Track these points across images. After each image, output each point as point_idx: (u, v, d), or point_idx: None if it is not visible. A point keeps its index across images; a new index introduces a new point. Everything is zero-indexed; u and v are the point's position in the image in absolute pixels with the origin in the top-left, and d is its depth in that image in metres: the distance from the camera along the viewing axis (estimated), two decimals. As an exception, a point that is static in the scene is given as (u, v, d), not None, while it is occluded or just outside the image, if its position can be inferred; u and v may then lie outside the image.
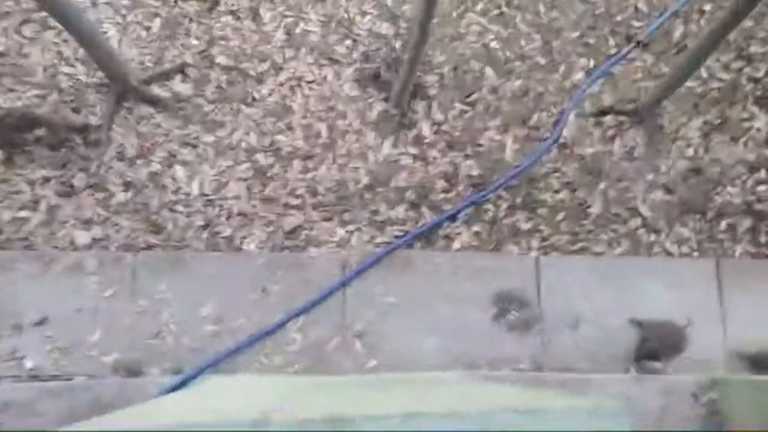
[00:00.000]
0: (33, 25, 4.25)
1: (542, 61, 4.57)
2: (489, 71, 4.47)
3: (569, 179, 4.24)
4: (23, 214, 3.79)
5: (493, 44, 4.58)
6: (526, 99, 4.44)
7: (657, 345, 3.73)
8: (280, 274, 3.75)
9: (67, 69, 4.16)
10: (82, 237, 3.75)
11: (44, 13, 4.11)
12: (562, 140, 4.32)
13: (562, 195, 4.19)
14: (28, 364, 3.41)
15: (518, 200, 4.13)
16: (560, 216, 4.13)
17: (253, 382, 3.34)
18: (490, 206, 4.09)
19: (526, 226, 4.07)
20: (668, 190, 4.31)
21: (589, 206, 4.18)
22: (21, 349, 3.44)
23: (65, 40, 4.18)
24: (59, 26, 4.01)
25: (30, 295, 3.54)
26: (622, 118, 4.47)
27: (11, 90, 4.08)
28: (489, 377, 3.55)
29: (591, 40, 4.70)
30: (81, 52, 4.08)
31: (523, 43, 4.61)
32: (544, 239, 4.05)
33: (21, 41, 4.20)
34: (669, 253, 4.13)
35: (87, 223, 3.80)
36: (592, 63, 4.62)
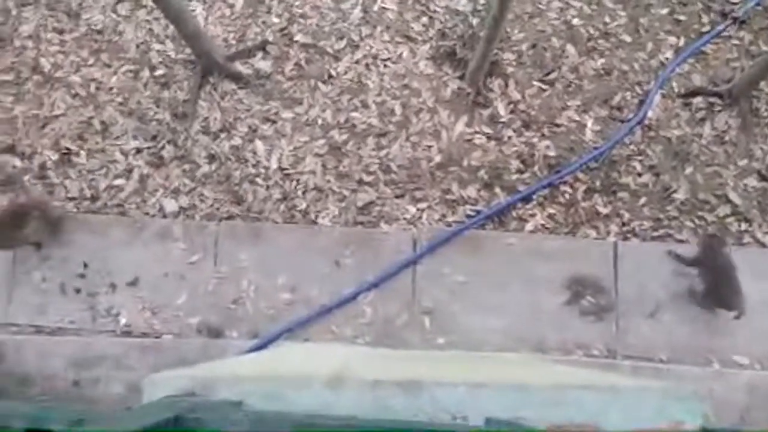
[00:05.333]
0: (127, 3, 4.51)
1: (628, 38, 4.37)
2: (570, 49, 4.33)
3: (653, 162, 4.05)
4: (118, 182, 4.07)
5: (576, 21, 4.41)
6: (608, 78, 4.27)
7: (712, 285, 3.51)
8: (352, 249, 3.84)
9: (157, 46, 4.39)
10: (171, 205, 3.99)
11: (138, -8, 4.36)
12: (646, 122, 4.13)
13: (644, 179, 4.02)
14: (123, 320, 3.70)
15: (597, 183, 4.00)
16: (642, 200, 3.97)
17: (325, 349, 3.45)
18: (567, 188, 3.99)
19: (605, 210, 3.94)
20: (763, 177, 4.03)
21: (673, 191, 3.99)
22: (116, 306, 3.73)
23: (156, 18, 4.41)
24: (151, 4, 4.25)
25: (123, 258, 3.82)
26: (713, 99, 4.21)
27: (107, 65, 4.36)
28: (559, 361, 3.50)
29: (682, 17, 4.44)
30: (170, 29, 4.29)
31: (607, 19, 4.42)
32: (624, 224, 3.91)
33: (116, 19, 4.47)
34: (761, 244, 3.88)
35: (175, 193, 4.04)
36: (682, 41, 4.37)
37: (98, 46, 4.42)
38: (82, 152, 4.16)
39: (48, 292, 3.82)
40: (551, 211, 3.95)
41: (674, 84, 4.25)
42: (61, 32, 4.46)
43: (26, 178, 4.12)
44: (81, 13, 4.49)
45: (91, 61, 4.37)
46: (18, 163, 4.17)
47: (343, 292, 3.73)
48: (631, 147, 4.08)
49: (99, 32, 4.45)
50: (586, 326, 3.65)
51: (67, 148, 4.17)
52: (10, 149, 4.20)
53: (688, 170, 4.03)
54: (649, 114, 4.13)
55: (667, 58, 4.31)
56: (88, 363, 3.50)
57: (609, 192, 3.99)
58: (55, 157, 4.16)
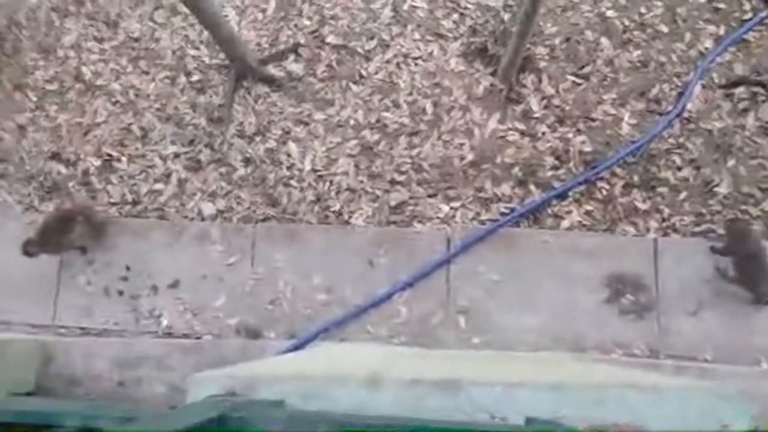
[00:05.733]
0: (163, 11, 4.63)
1: (665, 29, 4.26)
2: (605, 41, 4.24)
3: (693, 156, 3.94)
4: (157, 186, 4.19)
5: (610, 12, 4.32)
6: (645, 70, 4.17)
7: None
8: (385, 248, 3.85)
9: (193, 52, 4.50)
10: (208, 208, 4.09)
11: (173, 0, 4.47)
12: (686, 114, 4.02)
13: (685, 173, 3.91)
14: (164, 322, 3.81)
15: (635, 178, 3.91)
16: (682, 195, 3.86)
17: (361, 349, 3.47)
18: (604, 184, 3.91)
19: (644, 205, 3.85)
20: (811, 168, 3.88)
21: (715, 185, 3.86)
22: (158, 308, 3.84)
23: (191, 25, 4.51)
24: (186, 11, 4.35)
25: (164, 261, 3.93)
26: (756, 89, 4.06)
27: (145, 72, 4.49)
28: (598, 361, 3.43)
29: (722, 5, 4.30)
30: (205, 35, 4.39)
31: (643, 10, 4.32)
32: (664, 220, 3.81)
33: (153, 27, 4.59)
34: (809, 238, 3.73)
35: (212, 196, 4.13)
36: (722, 29, 4.23)
37: (136, 54, 4.55)
38: (123, 158, 4.30)
39: (93, 295, 3.95)
40: (588, 207, 3.88)
41: (714, 74, 4.12)
42: (100, 41, 4.61)
43: (71, 184, 4.28)
44: (119, 22, 4.63)
45: (129, 69, 4.51)
46: (63, 170, 4.32)
47: (377, 291, 3.74)
48: (670, 140, 3.97)
49: (137, 40, 4.58)
50: (626, 325, 3.57)
51: (109, 154, 4.31)
52: (56, 157, 4.36)
53: (731, 163, 3.90)
54: (689, 106, 4.02)
55: (706, 48, 4.18)
56: (131, 364, 3.59)
57: (648, 187, 3.90)
58: (97, 163, 4.30)
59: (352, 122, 4.22)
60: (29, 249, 3.76)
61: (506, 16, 4.28)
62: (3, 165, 4.41)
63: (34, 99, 4.53)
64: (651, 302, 3.58)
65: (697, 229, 3.79)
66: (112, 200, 4.21)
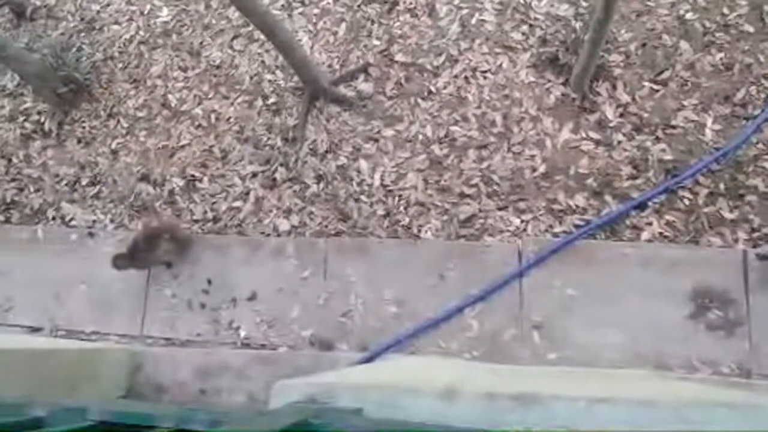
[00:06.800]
0: (241, 39, 4.89)
1: (750, 28, 4.03)
2: (684, 45, 4.07)
3: (787, 162, 3.69)
4: (236, 204, 4.40)
5: (689, 15, 4.15)
6: (729, 73, 3.96)
7: None
8: (455, 262, 3.84)
9: (269, 76, 4.71)
10: (283, 224, 4.25)
11: (250, 28, 4.71)
12: (776, 117, 3.78)
13: (776, 180, 3.67)
14: (243, 333, 3.97)
15: (721, 186, 3.70)
16: (775, 204, 3.62)
17: (433, 362, 3.46)
18: (686, 193, 3.73)
19: (730, 215, 3.63)
20: None
21: (813, 192, 3.60)
22: (237, 320, 4.01)
23: (267, 51, 4.73)
24: (262, 39, 4.57)
25: (242, 274, 4.11)
26: None
27: (225, 97, 4.74)
28: (685, 379, 3.26)
29: (815, -2, 4.03)
30: (280, 60, 4.58)
31: (725, 10, 4.11)
32: (753, 230, 3.58)
33: (232, 54, 4.85)
34: None
35: (287, 212, 4.29)
36: (816, 25, 3.96)
37: (217, 80, 4.82)
38: (205, 178, 4.54)
39: (177, 307, 4.18)
40: (669, 218, 3.71)
41: (809, 74, 3.86)
42: (185, 70, 4.91)
43: (158, 203, 4.57)
44: (201, 51, 4.93)
45: (211, 95, 4.78)
46: (151, 190, 4.62)
47: (447, 305, 3.73)
48: (759, 146, 3.74)
49: (217, 67, 4.85)
50: (714, 342, 3.36)
51: (192, 175, 4.57)
52: (144, 178, 4.67)
53: (831, 168, 3.62)
54: (780, 109, 3.78)
55: (798, 46, 3.93)
56: (212, 373, 3.77)
57: (735, 196, 3.67)
58: (181, 183, 4.57)
59: (420, 137, 4.27)
60: (119, 263, 4.04)
61: (577, 25, 4.20)
62: (98, 187, 4.77)
63: (126, 125, 4.89)
64: (741, 318, 3.36)
65: (793, 240, 3.54)
66: (194, 218, 4.45)
